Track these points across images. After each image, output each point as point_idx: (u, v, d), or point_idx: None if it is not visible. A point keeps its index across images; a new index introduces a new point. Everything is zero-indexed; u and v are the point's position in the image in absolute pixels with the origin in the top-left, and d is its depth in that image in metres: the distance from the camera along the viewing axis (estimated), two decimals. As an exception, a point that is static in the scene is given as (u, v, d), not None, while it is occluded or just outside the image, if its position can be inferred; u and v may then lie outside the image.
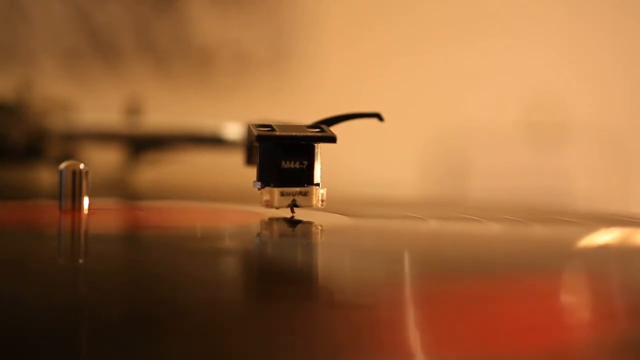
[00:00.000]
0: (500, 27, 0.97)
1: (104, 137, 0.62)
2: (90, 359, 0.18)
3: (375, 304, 0.23)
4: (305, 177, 0.34)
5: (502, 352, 0.19)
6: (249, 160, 0.41)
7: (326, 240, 0.34)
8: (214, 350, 0.18)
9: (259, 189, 0.34)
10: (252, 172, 0.35)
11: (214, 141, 0.60)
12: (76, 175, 0.34)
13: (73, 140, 0.62)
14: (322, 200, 0.34)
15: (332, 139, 0.34)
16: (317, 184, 0.34)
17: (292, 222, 0.34)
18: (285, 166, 0.33)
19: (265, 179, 0.34)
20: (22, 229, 0.35)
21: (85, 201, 0.34)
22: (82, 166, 0.34)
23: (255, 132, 0.33)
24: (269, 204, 0.33)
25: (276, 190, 0.33)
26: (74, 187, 0.34)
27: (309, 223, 0.35)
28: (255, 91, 0.97)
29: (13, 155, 0.61)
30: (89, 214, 0.34)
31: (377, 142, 0.81)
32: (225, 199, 0.47)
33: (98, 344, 0.19)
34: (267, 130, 0.33)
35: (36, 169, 0.62)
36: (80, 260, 0.28)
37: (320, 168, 0.34)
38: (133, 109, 0.62)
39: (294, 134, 0.33)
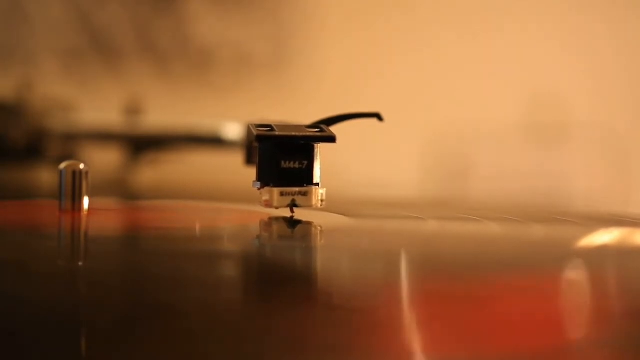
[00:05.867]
0: (501, 28, 0.97)
1: (104, 137, 0.62)
2: (90, 359, 0.18)
3: (375, 304, 0.23)
4: (304, 177, 0.34)
5: (502, 352, 0.19)
6: (249, 160, 0.41)
7: (325, 240, 0.34)
8: (214, 351, 0.18)
9: (259, 189, 0.34)
10: (251, 172, 0.35)
11: (214, 141, 0.60)
12: (76, 175, 0.34)
13: (73, 140, 0.62)
14: (322, 200, 0.34)
15: (331, 139, 0.34)
16: (317, 184, 0.34)
17: (292, 222, 0.34)
18: (285, 166, 0.33)
19: (265, 178, 0.34)
20: (22, 229, 0.35)
21: (85, 201, 0.34)
22: (82, 166, 0.34)
23: (255, 132, 0.33)
24: (268, 204, 0.33)
25: (276, 190, 0.33)
26: (74, 187, 0.34)
27: (309, 223, 0.35)
28: (255, 91, 0.97)
29: (13, 155, 0.61)
30: (89, 214, 0.34)
31: (377, 142, 0.81)
32: (225, 199, 0.47)
33: (97, 344, 0.19)
34: (267, 130, 0.33)
35: (36, 169, 0.62)
36: (80, 261, 0.28)
37: (320, 168, 0.34)
38: (133, 109, 0.62)
39: (293, 133, 0.33)
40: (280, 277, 0.26)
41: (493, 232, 0.35)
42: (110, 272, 0.26)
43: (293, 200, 0.33)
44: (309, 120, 0.35)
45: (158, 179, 0.62)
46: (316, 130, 0.34)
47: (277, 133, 0.33)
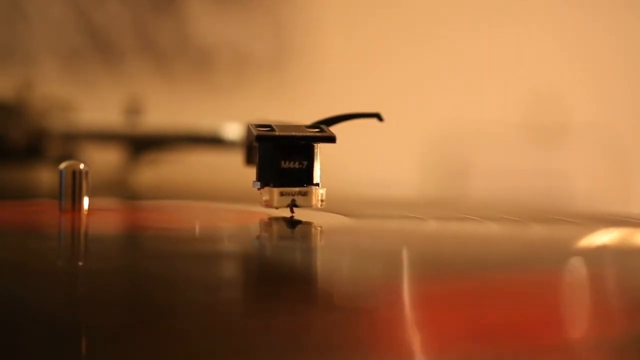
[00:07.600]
0: (501, 28, 0.97)
1: (104, 137, 0.62)
2: (90, 359, 0.18)
3: (375, 305, 0.23)
4: (304, 177, 0.34)
5: (502, 351, 0.19)
6: (249, 160, 0.41)
7: (325, 240, 0.34)
8: (213, 351, 0.18)
9: (259, 189, 0.34)
10: (251, 172, 0.35)
11: (214, 141, 0.60)
12: (76, 175, 0.34)
13: (73, 140, 0.62)
14: (322, 200, 0.34)
15: (331, 139, 0.34)
16: (317, 184, 0.34)
17: (292, 222, 0.34)
18: (285, 166, 0.33)
19: (265, 178, 0.34)
20: (22, 229, 0.35)
21: (85, 201, 0.34)
22: (82, 166, 0.34)
23: (254, 132, 0.33)
24: (268, 204, 0.33)
25: (276, 190, 0.33)
26: (74, 187, 0.34)
27: (309, 223, 0.35)
28: (255, 91, 0.97)
29: (13, 155, 0.61)
30: (89, 214, 0.34)
31: (377, 142, 0.81)
32: (225, 199, 0.47)
33: (97, 345, 0.19)
34: (267, 130, 0.33)
35: (36, 169, 0.62)
36: (80, 261, 0.28)
37: (320, 168, 0.34)
38: (133, 109, 0.62)
39: (293, 134, 0.33)
40: (280, 277, 0.26)
41: (493, 232, 0.35)
42: (110, 272, 0.26)
43: (293, 201, 0.33)
44: (308, 120, 0.35)
45: (158, 179, 0.62)
46: (316, 130, 0.34)
47: (277, 133, 0.33)
